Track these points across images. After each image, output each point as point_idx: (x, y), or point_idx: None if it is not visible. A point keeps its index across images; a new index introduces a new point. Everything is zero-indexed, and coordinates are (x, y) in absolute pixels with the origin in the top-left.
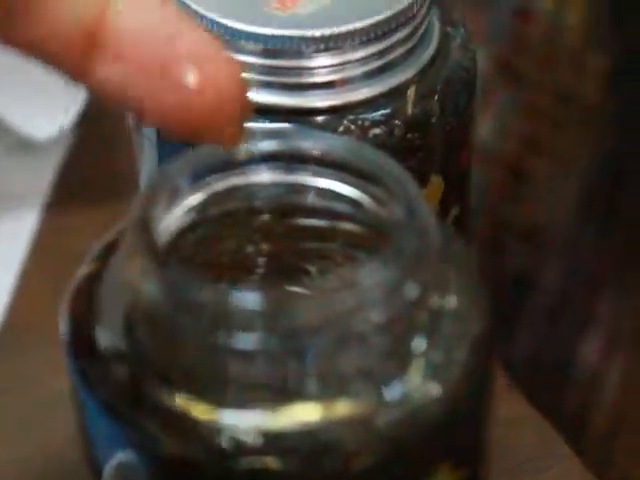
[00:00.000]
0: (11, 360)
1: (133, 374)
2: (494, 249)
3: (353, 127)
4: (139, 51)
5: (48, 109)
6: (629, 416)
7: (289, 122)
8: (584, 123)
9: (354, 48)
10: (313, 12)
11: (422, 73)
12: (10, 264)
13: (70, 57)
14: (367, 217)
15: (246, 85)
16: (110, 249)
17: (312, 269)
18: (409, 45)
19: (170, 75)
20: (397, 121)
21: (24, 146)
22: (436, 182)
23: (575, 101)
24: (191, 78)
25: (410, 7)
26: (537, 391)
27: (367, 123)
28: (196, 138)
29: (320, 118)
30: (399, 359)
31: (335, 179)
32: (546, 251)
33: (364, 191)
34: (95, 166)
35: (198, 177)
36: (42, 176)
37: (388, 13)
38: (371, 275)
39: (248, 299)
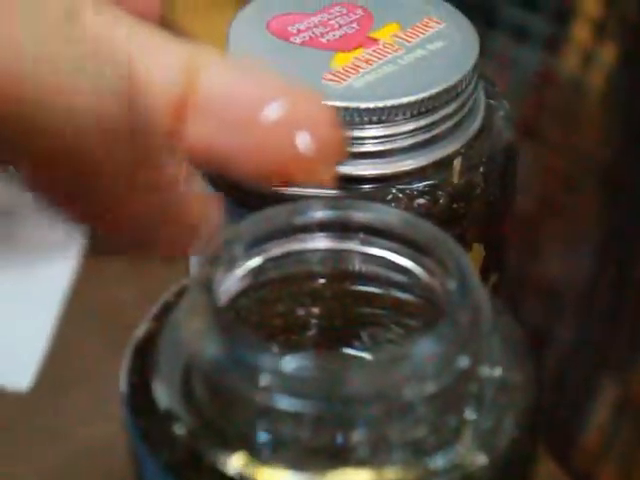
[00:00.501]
0: (52, 407)
1: (192, 433)
2: (510, 305)
3: (400, 196)
4: (231, 111)
5: None
6: (637, 473)
7: (340, 189)
8: (601, 187)
9: (404, 121)
10: (366, 85)
11: (468, 146)
12: (49, 311)
13: (164, 125)
14: (419, 287)
15: (340, 129)
16: (168, 309)
17: (364, 334)
18: (456, 119)
19: (272, 136)
20: (443, 191)
21: None
22: (478, 250)
23: (593, 164)
24: (300, 142)
25: (459, 83)
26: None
27: (414, 193)
28: (290, 183)
29: (369, 186)
30: (448, 428)
31: (388, 248)
32: (561, 310)
33: (417, 262)
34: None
35: (256, 243)
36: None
37: (438, 88)
38: (425, 348)
39: (303, 365)
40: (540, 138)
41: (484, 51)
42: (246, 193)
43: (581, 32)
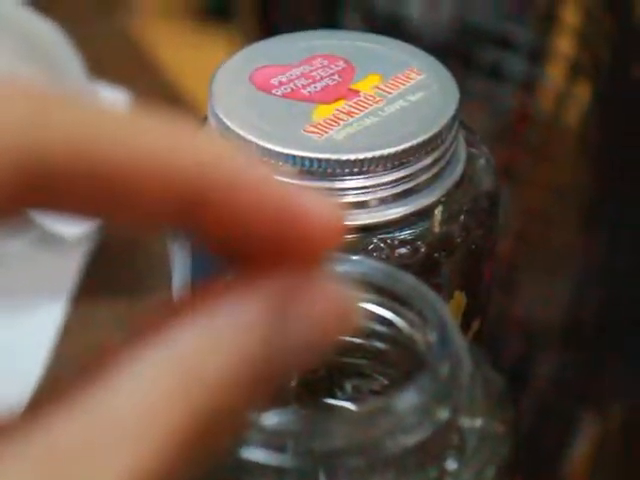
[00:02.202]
0: None
1: None
2: (490, 344)
3: (382, 245)
4: None
5: None
6: None
7: None
8: (578, 222)
9: (385, 172)
10: (347, 137)
11: (449, 194)
12: (37, 357)
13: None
14: (400, 338)
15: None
16: None
17: (346, 385)
18: (436, 169)
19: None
20: (423, 241)
21: (51, 240)
22: (459, 298)
23: (570, 202)
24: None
25: (439, 134)
26: None
27: (395, 242)
28: None
29: (350, 236)
30: (429, 479)
31: (369, 300)
32: (542, 347)
33: (397, 313)
34: (124, 260)
35: None
36: (69, 269)
37: (418, 140)
38: (406, 400)
39: (284, 418)
40: (518, 176)
41: (462, 92)
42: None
43: (555, 71)
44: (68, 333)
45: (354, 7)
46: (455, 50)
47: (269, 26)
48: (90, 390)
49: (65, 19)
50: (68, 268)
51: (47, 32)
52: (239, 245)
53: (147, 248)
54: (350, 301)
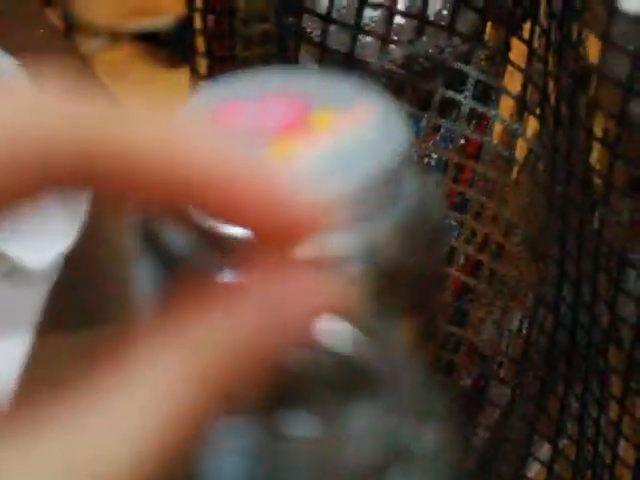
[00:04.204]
0: None
1: None
2: (445, 368)
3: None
4: None
5: (43, 238)
6: None
7: None
8: (529, 257)
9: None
10: (301, 173)
11: (398, 228)
12: (2, 386)
13: None
14: (350, 364)
15: None
16: None
17: (296, 410)
18: (386, 203)
19: None
20: (374, 272)
21: (17, 272)
22: (409, 327)
23: (520, 233)
24: None
25: (389, 170)
26: None
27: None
28: None
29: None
30: None
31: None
32: (493, 372)
33: (351, 340)
34: (86, 289)
35: None
36: (34, 300)
37: (369, 177)
38: (357, 423)
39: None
40: (469, 209)
41: (417, 129)
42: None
43: (505, 108)
44: (31, 364)
45: (311, 46)
46: (407, 86)
47: (222, 64)
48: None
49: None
50: (34, 299)
51: None
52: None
53: (112, 278)
54: (326, 286)
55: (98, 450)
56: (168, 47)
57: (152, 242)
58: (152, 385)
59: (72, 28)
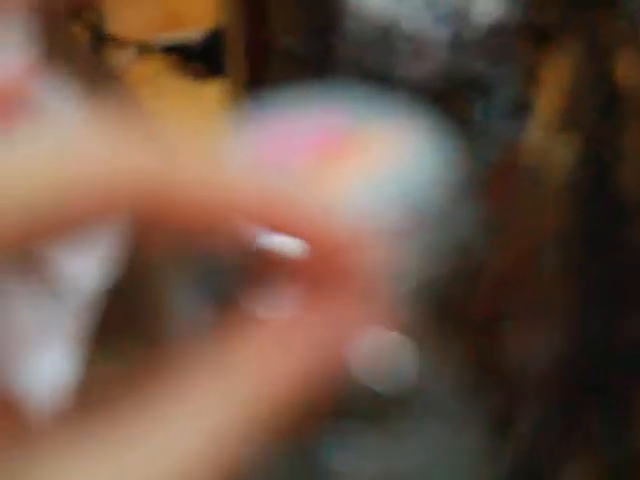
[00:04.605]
0: None
1: None
2: (475, 388)
3: None
4: None
5: (93, 261)
6: None
7: None
8: (557, 274)
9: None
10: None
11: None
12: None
13: None
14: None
15: None
16: None
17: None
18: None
19: None
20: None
21: (66, 292)
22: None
23: (549, 252)
24: None
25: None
26: None
27: None
28: None
29: None
30: None
31: None
32: (523, 393)
33: None
34: (131, 312)
35: None
36: (79, 319)
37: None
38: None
39: None
40: (500, 227)
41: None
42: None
43: (538, 127)
44: (79, 384)
45: (346, 62)
46: (441, 102)
47: (257, 77)
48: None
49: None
50: (78, 318)
51: None
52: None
53: (152, 301)
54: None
55: (151, 468)
56: (198, 60)
57: (201, 270)
58: (199, 412)
59: (101, 41)
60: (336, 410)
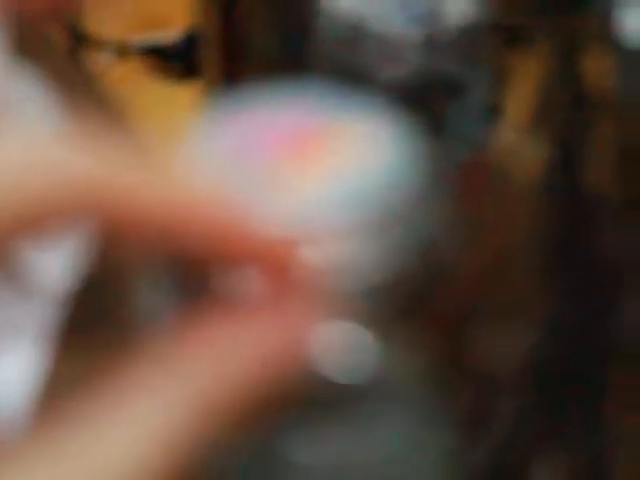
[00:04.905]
0: None
1: None
2: (449, 386)
3: None
4: None
5: (58, 259)
6: None
7: None
8: (532, 273)
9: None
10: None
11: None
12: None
13: None
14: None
15: None
16: None
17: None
18: None
19: None
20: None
21: (31, 290)
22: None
23: (524, 253)
24: None
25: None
26: None
27: None
28: None
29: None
30: None
31: None
32: (498, 391)
33: None
34: (96, 309)
35: None
36: (45, 317)
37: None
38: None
39: None
40: (473, 228)
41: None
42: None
43: (509, 127)
44: (47, 380)
45: (321, 60)
46: (414, 100)
47: (232, 77)
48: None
49: None
50: (44, 316)
51: None
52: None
53: (115, 297)
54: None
55: (117, 453)
56: (175, 61)
57: (164, 269)
58: (153, 399)
59: (79, 42)
60: (296, 402)
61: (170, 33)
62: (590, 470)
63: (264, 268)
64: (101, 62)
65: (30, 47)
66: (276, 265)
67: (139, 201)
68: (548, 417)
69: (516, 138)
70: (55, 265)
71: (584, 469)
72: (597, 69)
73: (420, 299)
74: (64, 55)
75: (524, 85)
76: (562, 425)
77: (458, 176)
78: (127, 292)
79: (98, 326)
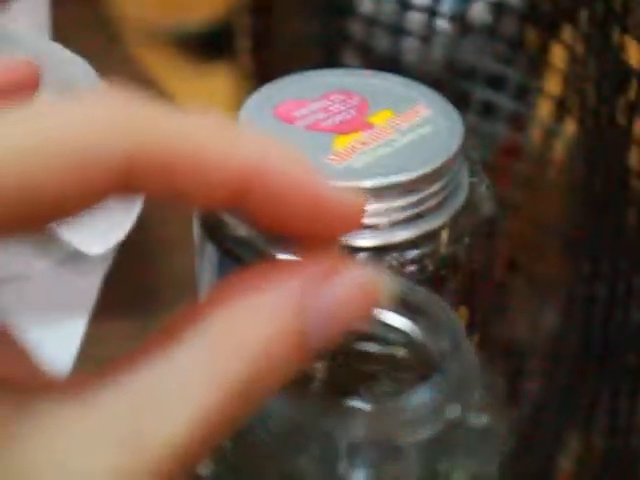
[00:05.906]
0: None
1: (214, 476)
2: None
3: (393, 264)
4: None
5: (102, 225)
6: None
7: None
8: (564, 253)
9: (397, 197)
10: (364, 165)
11: (453, 219)
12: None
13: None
14: (415, 344)
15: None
16: None
17: (363, 388)
18: (443, 195)
19: None
20: (431, 260)
21: (75, 258)
22: (462, 312)
23: (554, 231)
24: None
25: (445, 164)
26: None
27: (405, 261)
28: None
29: (364, 255)
30: (438, 473)
31: (388, 309)
32: (527, 369)
33: (414, 322)
34: (139, 277)
35: None
36: (91, 286)
37: (426, 169)
38: (419, 398)
39: (310, 412)
40: (506, 207)
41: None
42: (239, 245)
43: (544, 110)
44: (85, 348)
45: (354, 47)
46: (447, 87)
47: (264, 63)
48: (156, 350)
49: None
50: (90, 285)
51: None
52: (279, 224)
53: (161, 265)
54: (375, 283)
55: (147, 424)
56: (205, 45)
57: (214, 232)
58: (197, 362)
59: (112, 26)
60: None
61: (199, 18)
62: (619, 454)
63: (329, 226)
64: (135, 44)
65: (71, 28)
66: (346, 223)
67: (185, 145)
68: (576, 400)
69: (552, 122)
70: (97, 235)
71: (614, 453)
72: (636, 53)
73: (462, 274)
74: (104, 37)
75: (560, 69)
76: (592, 408)
77: (493, 159)
78: (175, 254)
79: (140, 298)
